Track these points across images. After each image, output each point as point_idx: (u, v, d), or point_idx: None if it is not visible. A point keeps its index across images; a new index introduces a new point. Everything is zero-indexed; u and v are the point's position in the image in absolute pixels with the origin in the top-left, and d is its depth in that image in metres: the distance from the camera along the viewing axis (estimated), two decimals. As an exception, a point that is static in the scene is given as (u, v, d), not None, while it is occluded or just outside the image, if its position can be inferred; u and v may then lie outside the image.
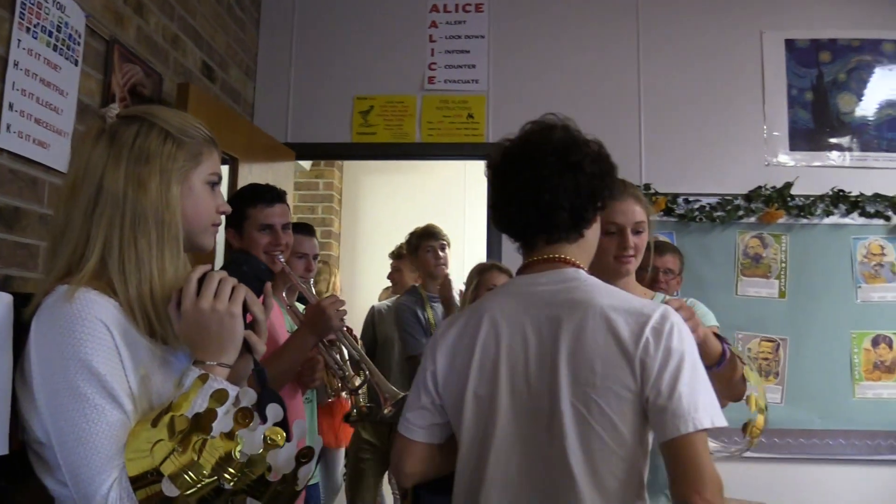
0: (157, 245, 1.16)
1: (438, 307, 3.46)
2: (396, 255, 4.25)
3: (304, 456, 1.00)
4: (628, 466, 1.29)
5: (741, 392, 1.74)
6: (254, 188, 2.24)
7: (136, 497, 1.01)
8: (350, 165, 5.80)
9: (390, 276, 4.33)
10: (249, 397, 1.07)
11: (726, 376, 1.67)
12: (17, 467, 1.19)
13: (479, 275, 2.95)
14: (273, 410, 1.06)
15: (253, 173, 3.21)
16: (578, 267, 1.43)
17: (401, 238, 5.39)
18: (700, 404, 1.23)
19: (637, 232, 1.81)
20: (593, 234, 1.47)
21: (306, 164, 5.47)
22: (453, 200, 5.46)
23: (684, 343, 1.28)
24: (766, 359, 3.56)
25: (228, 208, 1.30)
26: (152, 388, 1.12)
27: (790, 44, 3.71)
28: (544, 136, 1.43)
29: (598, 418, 1.28)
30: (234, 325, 1.13)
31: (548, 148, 1.40)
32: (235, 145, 3.11)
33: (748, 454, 3.54)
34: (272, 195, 2.20)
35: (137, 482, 1.00)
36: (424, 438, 1.52)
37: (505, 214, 1.47)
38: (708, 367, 1.65)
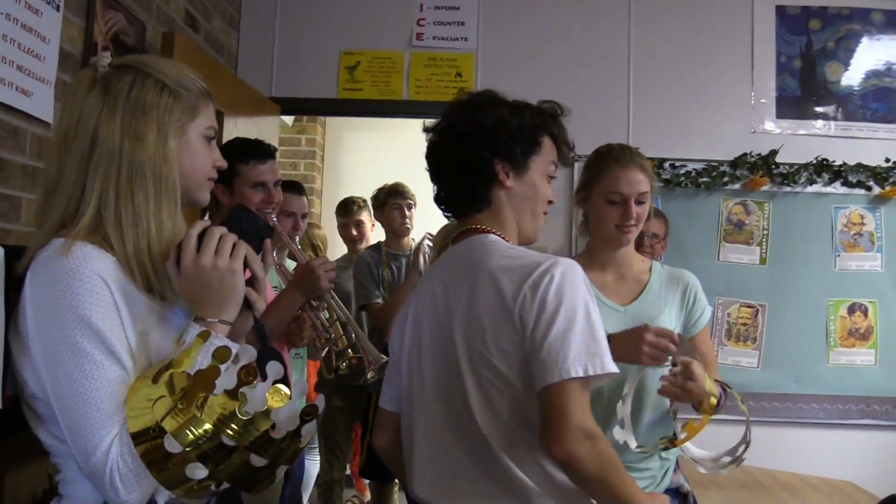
0: (154, 199, 1.14)
1: (396, 267, 3.46)
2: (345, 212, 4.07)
3: (307, 413, 1.00)
4: (526, 417, 1.29)
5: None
6: (244, 143, 2.19)
7: (136, 452, 1.00)
8: (333, 122, 5.72)
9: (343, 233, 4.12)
10: (249, 354, 1.06)
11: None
12: (9, 420, 1.18)
13: (447, 238, 2.93)
14: (273, 368, 1.05)
15: (238, 128, 3.15)
16: (490, 232, 1.43)
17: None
18: (571, 353, 1.21)
19: (640, 202, 1.80)
20: (509, 195, 1.45)
21: (288, 120, 5.38)
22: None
23: (562, 294, 1.26)
24: (744, 324, 3.62)
25: (224, 163, 1.28)
26: (151, 344, 1.11)
27: (781, 10, 3.70)
28: (436, 124, 1.49)
29: (494, 377, 1.30)
30: (235, 281, 1.12)
31: (433, 135, 1.48)
32: (220, 99, 3.01)
33: (724, 416, 3.63)
34: (264, 151, 2.16)
35: (138, 438, 1.00)
36: (395, 407, 1.54)
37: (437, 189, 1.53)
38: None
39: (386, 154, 5.60)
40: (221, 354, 1.01)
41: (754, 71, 3.69)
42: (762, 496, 2.80)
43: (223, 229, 1.13)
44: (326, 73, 3.74)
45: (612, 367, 1.23)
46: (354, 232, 3.94)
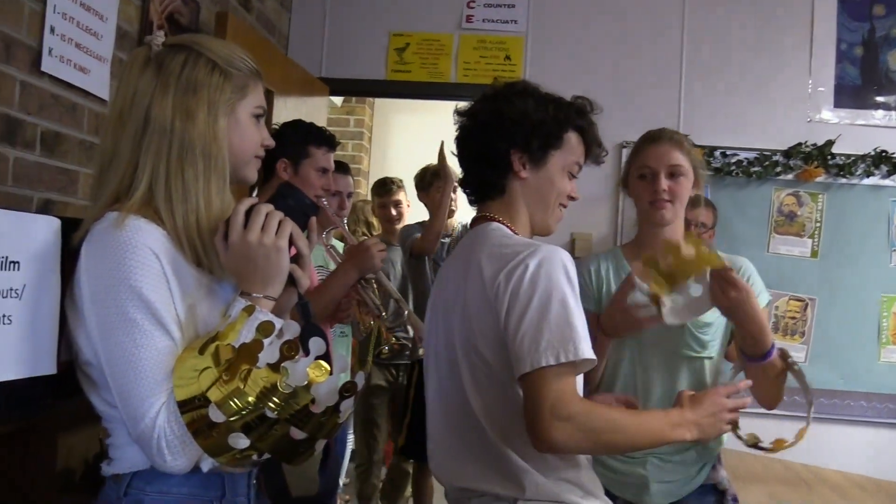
0: (203, 176, 1.17)
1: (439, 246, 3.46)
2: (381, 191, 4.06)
3: (347, 390, 1.02)
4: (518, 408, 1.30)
5: (775, 399, 1.74)
6: (319, 129, 2.29)
7: (182, 420, 1.04)
8: (381, 104, 5.75)
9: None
10: (293, 330, 1.08)
11: (764, 374, 1.66)
12: (64, 385, 1.23)
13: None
14: (316, 344, 1.07)
15: (287, 107, 3.19)
16: (497, 221, 1.45)
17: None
18: (543, 342, 1.21)
19: (673, 175, 1.73)
20: (524, 186, 1.44)
21: (337, 101, 5.42)
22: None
23: (536, 283, 1.26)
24: (793, 318, 3.54)
25: (272, 142, 1.30)
26: (198, 316, 1.14)
27: (843, -6, 3.58)
28: (465, 109, 1.50)
29: (482, 364, 1.33)
30: (280, 258, 1.14)
31: (461, 119, 1.49)
32: (271, 78, 3.08)
33: (768, 410, 3.56)
34: (335, 141, 2.29)
35: (184, 406, 1.03)
36: None
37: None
38: (750, 358, 1.63)
39: (433, 136, 5.56)
40: (265, 329, 1.03)
41: (813, 58, 3.58)
42: (805, 494, 2.76)
43: (270, 206, 1.15)
44: (375, 54, 3.76)
45: (589, 353, 1.23)
46: (393, 212, 3.91)
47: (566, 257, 1.31)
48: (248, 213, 1.14)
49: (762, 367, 1.66)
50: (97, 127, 2.19)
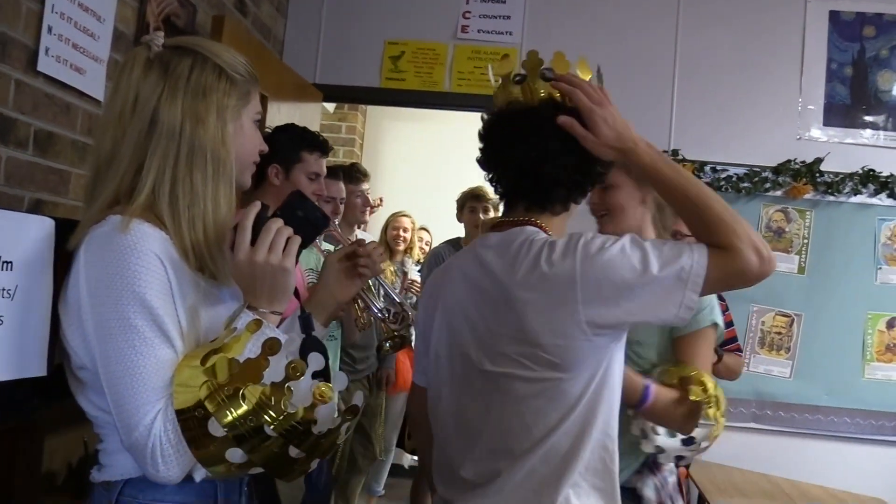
0: (212, 181, 1.16)
1: None
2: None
3: (349, 412, 1.02)
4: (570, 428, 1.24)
5: (686, 427, 1.61)
6: (312, 134, 2.28)
7: (179, 429, 1.02)
8: (373, 111, 5.75)
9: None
10: (293, 346, 1.08)
11: (659, 413, 1.57)
12: (53, 388, 1.22)
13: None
14: (315, 359, 1.06)
15: (281, 113, 3.19)
16: (539, 227, 1.35)
17: (420, 185, 5.44)
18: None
19: (605, 187, 1.70)
20: (576, 209, 1.42)
21: (330, 107, 5.42)
22: (475, 151, 5.40)
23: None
24: (778, 333, 3.57)
25: (266, 147, 1.30)
26: (200, 323, 1.13)
27: (834, 15, 3.62)
28: (555, 109, 1.34)
29: (545, 369, 1.24)
30: (287, 279, 1.13)
31: (552, 124, 1.32)
32: (266, 83, 3.06)
33: (753, 425, 3.57)
34: (327, 146, 2.27)
35: (182, 415, 1.02)
36: (423, 382, 1.52)
37: (496, 172, 1.41)
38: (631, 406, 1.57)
39: (424, 144, 5.62)
40: (272, 346, 1.02)
41: (803, 77, 3.62)
42: (788, 507, 2.78)
43: (279, 223, 1.13)
44: (370, 61, 3.77)
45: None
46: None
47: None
48: (257, 224, 1.12)
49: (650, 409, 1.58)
50: (90, 128, 2.18)
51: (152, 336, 1.05)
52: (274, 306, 1.13)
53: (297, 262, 1.15)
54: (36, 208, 1.97)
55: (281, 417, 0.99)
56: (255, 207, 1.13)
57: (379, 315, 2.11)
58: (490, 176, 1.43)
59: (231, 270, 1.15)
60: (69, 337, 1.12)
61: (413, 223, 4.57)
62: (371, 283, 2.15)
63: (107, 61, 2.22)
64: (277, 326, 1.15)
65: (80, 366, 1.12)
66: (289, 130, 2.29)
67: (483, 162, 1.44)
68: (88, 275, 1.07)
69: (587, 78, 1.42)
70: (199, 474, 1.11)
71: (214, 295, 1.18)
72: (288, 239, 1.13)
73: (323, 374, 1.08)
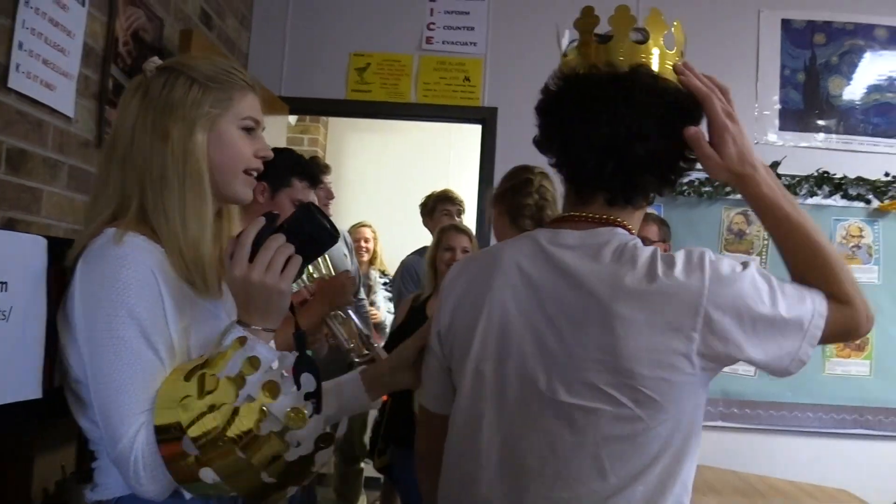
0: (179, 197, 1.15)
1: None
2: None
3: (322, 440, 1.01)
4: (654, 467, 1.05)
5: None
6: (306, 163, 2.24)
7: (157, 445, 1.02)
8: (336, 122, 5.74)
9: None
10: (287, 362, 1.06)
11: None
12: (48, 408, 1.20)
13: (440, 233, 2.96)
14: (306, 380, 1.05)
15: (249, 126, 3.17)
16: (627, 229, 1.15)
17: (383, 197, 5.43)
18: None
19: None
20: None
21: (292, 119, 5.40)
22: (438, 162, 5.46)
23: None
24: (743, 332, 3.67)
25: (269, 154, 1.26)
26: (192, 338, 1.13)
27: (786, 24, 3.75)
28: (653, 78, 1.13)
29: (634, 405, 1.04)
30: (282, 300, 1.11)
31: (655, 93, 1.11)
32: (233, 96, 3.08)
33: (721, 423, 3.63)
34: (318, 179, 2.26)
35: (161, 433, 1.01)
36: (438, 409, 1.27)
37: (567, 153, 1.16)
38: None
39: (389, 156, 5.63)
40: (252, 364, 1.01)
41: (759, 83, 3.74)
42: (759, 503, 2.85)
43: (281, 240, 1.10)
44: (336, 73, 3.77)
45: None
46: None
47: None
48: (262, 238, 1.10)
49: None
50: (62, 144, 2.15)
51: (140, 347, 1.05)
52: (266, 323, 1.12)
53: (301, 277, 1.15)
54: (8, 227, 1.93)
55: (248, 438, 0.98)
56: (259, 223, 1.11)
57: (344, 346, 2.09)
58: (555, 159, 1.17)
59: (227, 283, 1.14)
60: (66, 351, 1.12)
61: (374, 232, 4.58)
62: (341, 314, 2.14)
63: (76, 77, 2.19)
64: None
65: (77, 380, 1.12)
66: (284, 154, 2.29)
67: (545, 140, 1.18)
68: (83, 287, 1.07)
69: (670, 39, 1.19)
70: (189, 492, 1.10)
71: (209, 310, 1.18)
72: (289, 258, 1.10)
73: (315, 395, 1.06)
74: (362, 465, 4.03)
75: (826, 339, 1.07)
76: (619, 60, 1.13)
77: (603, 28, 1.19)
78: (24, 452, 1.51)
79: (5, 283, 1.12)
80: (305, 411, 1.01)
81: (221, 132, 1.19)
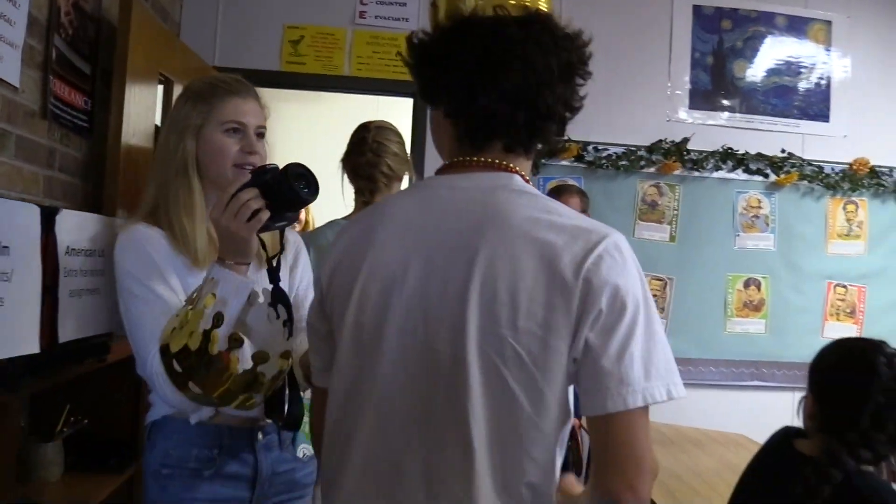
0: (172, 193, 1.44)
1: None
2: None
3: (256, 359, 1.36)
4: (547, 444, 1.01)
5: None
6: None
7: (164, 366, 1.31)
8: (266, 92, 5.73)
9: None
10: (266, 293, 1.36)
11: None
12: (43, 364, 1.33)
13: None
14: (282, 310, 1.36)
15: (187, 96, 3.21)
16: (522, 177, 1.09)
17: (315, 168, 5.45)
18: (654, 370, 0.98)
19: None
20: None
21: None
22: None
23: (639, 284, 1.05)
24: (655, 296, 3.97)
25: (253, 149, 1.49)
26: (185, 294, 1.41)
27: (697, 10, 4.03)
28: (548, 24, 1.12)
29: (516, 373, 0.98)
30: (245, 245, 1.32)
31: (555, 37, 1.10)
32: (170, 67, 3.11)
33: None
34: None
35: (162, 354, 1.31)
36: (327, 383, 1.13)
37: (475, 106, 1.06)
38: None
39: (318, 126, 5.68)
40: (207, 302, 1.28)
41: (671, 65, 4.02)
42: (671, 450, 3.16)
43: (252, 193, 1.28)
44: (270, 45, 3.82)
45: (684, 391, 1.03)
46: None
47: None
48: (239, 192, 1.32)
49: None
50: (9, 114, 2.17)
51: (147, 296, 1.34)
52: (238, 258, 1.33)
53: (282, 230, 1.33)
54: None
55: (207, 357, 1.27)
56: (245, 178, 1.31)
57: None
58: (449, 109, 1.09)
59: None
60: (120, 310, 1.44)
61: None
62: None
63: (21, 47, 2.20)
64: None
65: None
66: None
67: (435, 91, 1.11)
68: (115, 264, 1.39)
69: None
70: (194, 418, 1.39)
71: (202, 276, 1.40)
72: (257, 211, 1.29)
73: (289, 322, 1.35)
74: None
75: None
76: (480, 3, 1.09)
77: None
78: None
79: (7, 247, 1.21)
80: (241, 335, 1.30)
81: (207, 138, 1.45)
